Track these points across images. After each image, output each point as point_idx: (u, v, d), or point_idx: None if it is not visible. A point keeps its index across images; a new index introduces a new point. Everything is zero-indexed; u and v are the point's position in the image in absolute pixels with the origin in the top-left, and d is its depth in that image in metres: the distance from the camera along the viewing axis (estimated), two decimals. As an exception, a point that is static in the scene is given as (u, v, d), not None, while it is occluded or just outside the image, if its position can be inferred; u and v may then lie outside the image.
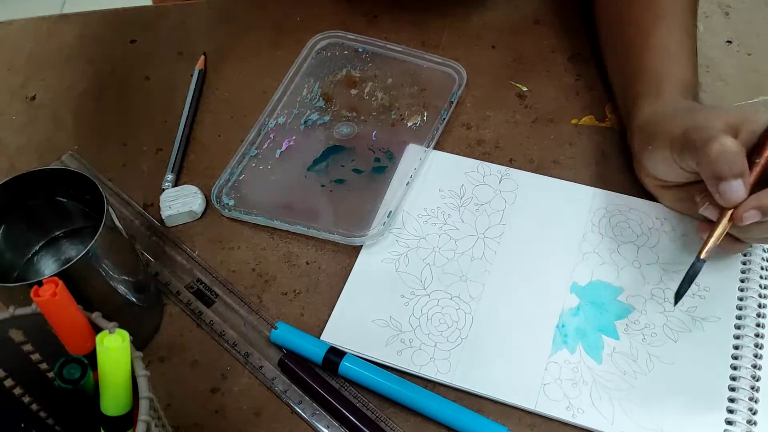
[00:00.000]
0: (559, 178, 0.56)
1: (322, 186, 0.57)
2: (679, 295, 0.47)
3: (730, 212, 0.45)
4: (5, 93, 0.68)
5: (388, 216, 0.54)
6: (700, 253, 0.46)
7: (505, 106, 0.62)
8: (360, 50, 0.65)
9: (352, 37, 0.65)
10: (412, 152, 0.58)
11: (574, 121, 0.61)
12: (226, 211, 0.56)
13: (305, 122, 0.60)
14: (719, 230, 0.46)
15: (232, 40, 0.64)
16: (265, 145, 0.59)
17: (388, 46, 0.64)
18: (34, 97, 0.67)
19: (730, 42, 0.65)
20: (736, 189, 0.44)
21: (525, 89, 0.63)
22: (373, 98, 0.61)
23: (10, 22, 0.74)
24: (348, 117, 0.60)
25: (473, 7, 0.70)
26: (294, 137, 0.60)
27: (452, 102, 0.60)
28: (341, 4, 0.71)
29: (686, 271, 0.46)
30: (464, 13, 0.70)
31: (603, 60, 0.62)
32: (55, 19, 0.74)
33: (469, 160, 0.58)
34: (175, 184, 0.59)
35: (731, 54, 0.65)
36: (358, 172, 0.57)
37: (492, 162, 0.58)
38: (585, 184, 0.56)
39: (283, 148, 0.59)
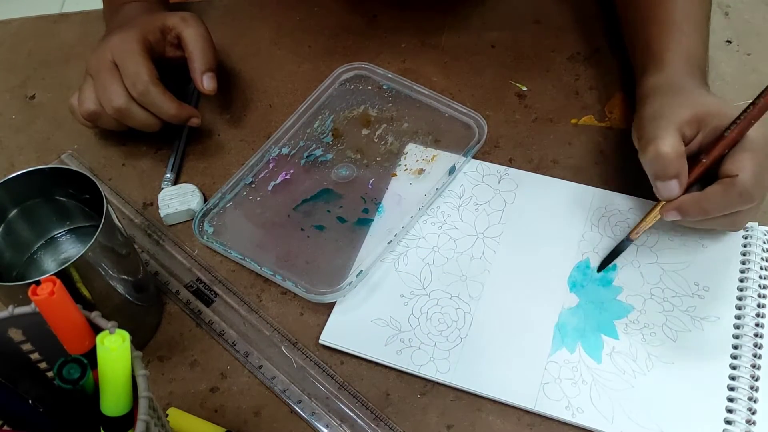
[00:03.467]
0: (559, 178, 0.56)
1: (301, 230, 0.54)
2: (602, 266, 0.51)
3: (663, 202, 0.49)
4: (5, 92, 0.68)
5: (357, 275, 0.51)
6: (631, 233, 0.50)
7: (505, 105, 0.62)
8: (384, 87, 0.62)
9: (380, 72, 0.63)
10: (403, 210, 0.55)
11: (573, 121, 0.61)
12: (204, 238, 0.55)
13: (307, 156, 0.59)
14: (650, 217, 0.49)
15: (232, 39, 0.64)
16: (262, 175, 0.58)
17: (414, 87, 0.61)
18: (33, 96, 0.67)
19: (729, 42, 0.65)
20: (670, 188, 0.47)
21: (525, 89, 0.63)
22: (383, 142, 0.59)
23: (10, 21, 0.74)
24: (351, 159, 0.58)
25: (473, 6, 0.70)
26: (292, 170, 0.58)
27: (466, 157, 0.57)
28: (341, 3, 0.71)
29: (616, 245, 0.51)
30: (464, 12, 0.70)
31: (621, 34, 0.62)
32: (55, 18, 0.74)
33: (469, 160, 0.58)
34: (174, 183, 0.59)
35: (731, 54, 0.65)
36: (341, 220, 0.55)
37: (491, 161, 0.58)
38: (584, 184, 0.56)
39: (278, 180, 0.57)
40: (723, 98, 0.49)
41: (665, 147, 0.46)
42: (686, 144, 0.48)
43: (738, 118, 0.45)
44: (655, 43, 0.54)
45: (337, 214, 0.55)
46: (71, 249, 0.50)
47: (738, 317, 0.48)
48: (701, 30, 0.55)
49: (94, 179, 0.44)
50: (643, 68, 0.55)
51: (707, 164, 0.47)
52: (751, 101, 0.45)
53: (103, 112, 0.56)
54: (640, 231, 0.50)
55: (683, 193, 0.47)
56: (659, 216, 0.49)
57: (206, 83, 0.59)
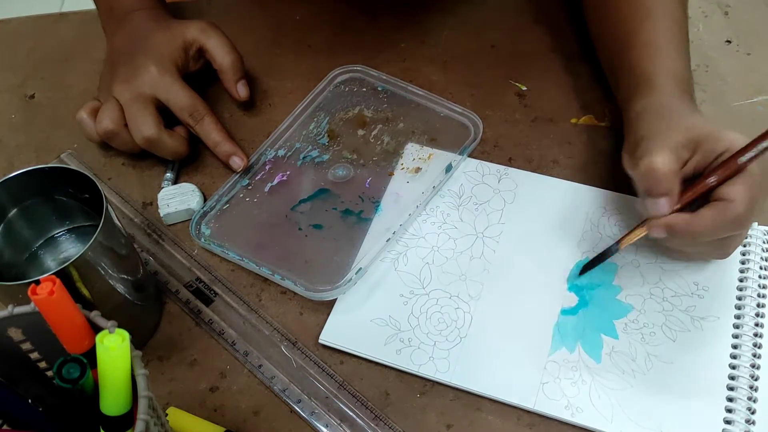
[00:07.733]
0: (559, 178, 0.56)
1: (299, 229, 0.54)
2: (586, 269, 0.51)
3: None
4: (4, 91, 0.68)
5: (356, 272, 0.51)
6: (619, 242, 0.49)
7: (505, 105, 0.62)
8: (379, 89, 0.62)
9: (374, 74, 0.63)
10: (401, 208, 0.55)
11: (573, 121, 0.61)
12: (202, 240, 0.54)
13: (303, 158, 0.59)
14: (637, 230, 0.48)
15: (231, 38, 0.64)
16: (258, 177, 0.58)
17: (409, 88, 0.61)
18: (33, 96, 0.67)
19: (729, 42, 0.66)
20: (659, 205, 0.46)
21: (524, 88, 0.63)
22: (379, 142, 0.59)
23: (10, 20, 0.74)
24: (348, 159, 0.58)
25: (473, 6, 0.70)
26: (288, 172, 0.58)
27: (462, 155, 0.57)
28: (341, 3, 0.71)
29: (603, 250, 0.50)
30: (464, 12, 0.70)
31: (598, 58, 0.62)
32: (54, 17, 0.74)
33: (468, 159, 0.58)
34: (174, 182, 0.59)
35: (731, 54, 0.65)
36: (339, 219, 0.55)
37: (491, 161, 0.58)
38: (584, 184, 0.56)
39: (275, 182, 0.57)
40: (712, 122, 0.48)
41: (658, 163, 0.45)
42: (681, 166, 0.47)
43: (752, 145, 0.43)
44: (641, 66, 0.53)
45: (335, 214, 0.55)
46: (71, 248, 0.50)
47: (737, 317, 0.48)
48: (684, 53, 0.54)
49: (93, 179, 0.44)
50: (630, 93, 0.54)
51: (711, 186, 0.45)
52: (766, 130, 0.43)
53: (121, 132, 0.57)
54: (628, 242, 0.49)
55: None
56: (645, 232, 0.47)
57: (241, 92, 0.61)
